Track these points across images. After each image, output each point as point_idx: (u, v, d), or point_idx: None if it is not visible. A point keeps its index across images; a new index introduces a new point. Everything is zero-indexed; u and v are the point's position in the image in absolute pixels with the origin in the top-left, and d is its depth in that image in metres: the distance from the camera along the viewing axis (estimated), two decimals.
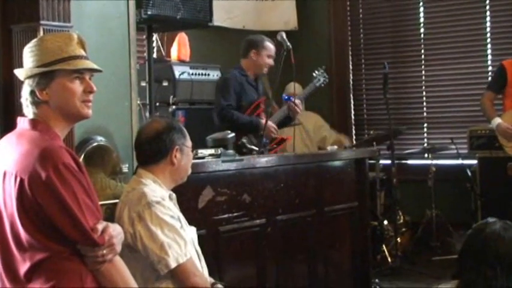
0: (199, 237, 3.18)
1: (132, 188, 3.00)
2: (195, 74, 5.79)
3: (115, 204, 3.05)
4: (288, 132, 5.68)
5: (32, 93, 2.41)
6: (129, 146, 3.57)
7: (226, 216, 4.01)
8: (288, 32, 5.43)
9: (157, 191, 2.98)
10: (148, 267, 2.84)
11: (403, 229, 6.34)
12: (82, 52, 2.44)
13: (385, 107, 6.15)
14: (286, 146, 5.86)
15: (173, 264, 2.82)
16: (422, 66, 7.32)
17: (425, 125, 7.33)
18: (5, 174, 2.32)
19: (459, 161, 6.32)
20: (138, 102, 3.93)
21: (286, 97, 5.76)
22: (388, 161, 6.18)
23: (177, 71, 5.68)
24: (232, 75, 5.33)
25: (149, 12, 4.24)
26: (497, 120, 5.74)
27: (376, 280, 5.29)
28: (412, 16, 7.35)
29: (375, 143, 6.20)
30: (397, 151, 6.34)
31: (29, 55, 2.44)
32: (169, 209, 2.92)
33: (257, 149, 4.83)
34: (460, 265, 2.48)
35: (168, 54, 6.08)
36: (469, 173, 6.23)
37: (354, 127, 7.59)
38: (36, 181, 2.22)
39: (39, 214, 2.23)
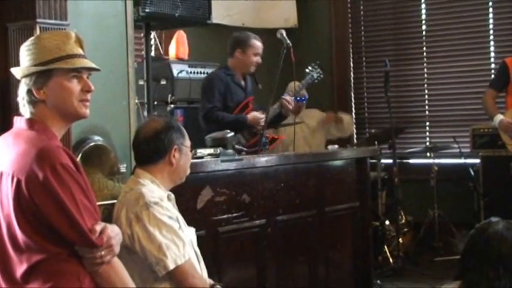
0: (198, 238, 3.19)
1: (130, 189, 3.00)
2: (194, 73, 5.79)
3: (113, 204, 3.05)
4: (289, 131, 5.67)
5: (29, 92, 2.41)
6: (127, 146, 3.57)
7: (225, 216, 4.01)
8: (287, 30, 5.40)
9: (156, 191, 2.98)
10: (146, 268, 2.85)
11: (405, 229, 6.35)
12: (80, 51, 2.44)
13: (386, 106, 6.16)
14: (288, 146, 5.87)
15: (171, 266, 2.82)
16: (424, 64, 7.32)
17: (427, 123, 7.33)
18: (1, 174, 2.32)
19: (462, 160, 6.33)
20: (136, 101, 3.93)
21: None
22: (390, 160, 6.19)
23: (176, 69, 5.68)
24: (216, 76, 5.30)
25: (147, 10, 4.23)
26: (500, 117, 5.74)
27: (378, 281, 5.30)
28: (413, 13, 7.35)
29: (376, 142, 6.20)
30: (398, 150, 6.34)
31: (26, 53, 2.44)
32: (167, 210, 2.93)
33: (246, 149, 4.82)
34: (462, 265, 2.49)
35: (166, 52, 6.08)
36: (472, 172, 6.23)
37: (354, 125, 7.59)
38: (33, 181, 2.22)
39: (37, 215, 2.23)
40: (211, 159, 3.95)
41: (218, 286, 3.09)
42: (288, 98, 5.30)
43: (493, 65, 6.94)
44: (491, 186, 6.12)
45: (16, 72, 2.47)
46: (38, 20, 3.13)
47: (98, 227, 2.29)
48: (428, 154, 6.55)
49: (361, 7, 7.59)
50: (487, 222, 2.52)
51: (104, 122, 3.53)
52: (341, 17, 7.56)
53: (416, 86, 7.37)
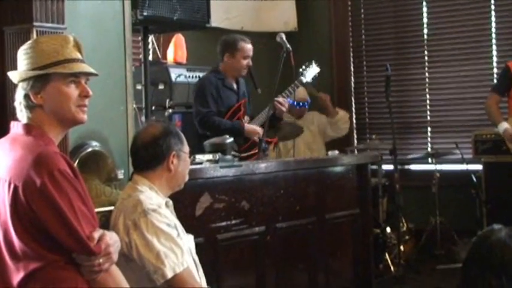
0: (197, 245, 3.19)
1: (127, 195, 3.01)
2: (192, 77, 5.79)
3: (110, 211, 3.06)
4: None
5: (26, 96, 2.41)
6: (124, 152, 3.57)
7: (224, 223, 4.02)
8: (287, 33, 5.42)
9: (154, 198, 2.99)
10: (144, 276, 2.85)
11: (407, 237, 6.35)
12: (78, 55, 2.45)
13: (387, 111, 6.17)
14: (289, 151, 5.87)
15: (170, 274, 2.82)
16: (426, 69, 7.32)
17: (428, 129, 7.33)
18: None
19: (464, 166, 6.33)
20: (134, 106, 3.94)
21: (293, 102, 5.78)
22: (391, 167, 6.19)
23: (174, 73, 5.69)
24: (207, 80, 5.30)
25: (145, 13, 4.24)
26: (504, 125, 5.74)
27: None
28: (415, 17, 7.35)
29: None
30: (400, 156, 6.34)
31: (23, 57, 2.44)
32: (165, 217, 2.93)
33: (239, 154, 4.82)
34: (464, 274, 2.49)
35: (164, 56, 6.10)
36: (474, 179, 6.23)
37: (355, 131, 7.59)
38: (30, 188, 2.22)
39: (34, 222, 2.23)
40: (210, 165, 3.96)
41: None
42: (280, 99, 5.27)
43: (495, 70, 6.94)
44: (494, 193, 6.11)
45: (13, 76, 2.47)
46: (35, 24, 3.14)
47: (96, 234, 2.29)
48: (429, 160, 6.56)
49: (362, 10, 7.59)
50: (490, 230, 2.52)
51: (102, 127, 3.54)
52: (341, 20, 7.56)
53: (418, 91, 7.36)
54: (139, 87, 4.67)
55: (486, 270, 2.42)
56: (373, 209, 5.77)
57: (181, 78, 5.71)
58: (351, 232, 4.99)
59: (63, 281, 2.28)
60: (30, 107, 2.41)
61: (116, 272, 2.39)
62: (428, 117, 7.33)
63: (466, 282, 2.47)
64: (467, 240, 5.82)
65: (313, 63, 5.53)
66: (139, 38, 4.77)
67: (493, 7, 6.97)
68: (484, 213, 6.18)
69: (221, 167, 3.99)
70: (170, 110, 5.51)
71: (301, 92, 6.08)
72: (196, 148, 4.23)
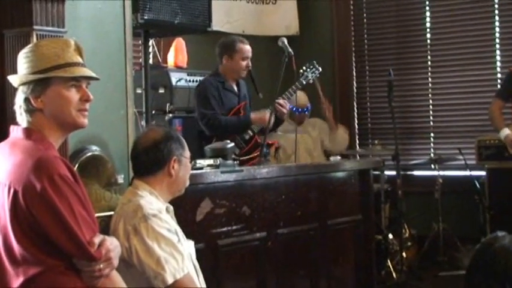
0: (197, 251, 3.20)
1: (127, 200, 3.01)
2: (193, 81, 5.80)
3: (110, 216, 3.06)
4: (291, 142, 5.67)
5: (26, 100, 2.42)
6: (124, 156, 3.57)
7: (225, 229, 4.03)
8: (289, 37, 5.42)
9: (154, 203, 2.99)
10: (144, 282, 2.85)
11: (409, 243, 6.35)
12: (79, 59, 2.46)
13: (390, 116, 6.16)
14: (290, 156, 5.86)
15: (170, 280, 2.83)
16: (429, 73, 7.31)
17: (431, 134, 7.33)
18: None
19: (467, 172, 6.33)
20: (134, 110, 3.94)
21: (293, 107, 5.77)
22: (393, 172, 6.19)
23: (174, 77, 5.70)
24: (208, 82, 5.31)
25: (146, 17, 4.25)
26: (506, 131, 5.76)
27: None
28: (418, 21, 7.36)
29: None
30: (402, 162, 6.34)
31: (23, 61, 2.45)
32: (166, 222, 2.93)
33: (239, 158, 4.83)
34: (468, 281, 2.49)
35: (165, 60, 6.11)
36: (478, 185, 6.23)
37: (357, 136, 7.60)
38: (30, 192, 2.23)
39: (34, 227, 2.24)
40: (210, 171, 3.97)
41: None
42: (281, 101, 5.25)
43: (499, 75, 6.93)
44: (498, 199, 6.11)
45: (13, 80, 2.48)
46: (35, 27, 3.13)
47: (97, 240, 2.30)
48: (432, 166, 6.55)
49: (364, 15, 7.60)
50: (493, 237, 2.52)
51: (102, 131, 3.54)
52: (343, 24, 7.56)
53: (421, 96, 7.37)
54: (139, 91, 4.68)
55: (490, 277, 2.42)
56: (376, 215, 5.77)
57: (182, 83, 5.72)
58: (353, 238, 5.00)
59: (63, 287, 2.28)
60: (30, 110, 2.42)
61: (117, 278, 2.40)
62: (431, 123, 7.33)
63: None
64: (470, 246, 5.83)
65: (315, 63, 5.53)
66: (140, 42, 4.78)
67: (496, 12, 6.96)
68: (487, 220, 6.18)
69: (222, 172, 3.99)
70: (170, 115, 5.51)
71: (302, 98, 6.07)
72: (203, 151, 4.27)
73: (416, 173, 7.21)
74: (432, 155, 7.04)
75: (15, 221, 2.26)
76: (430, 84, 7.33)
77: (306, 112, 6.51)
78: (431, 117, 7.33)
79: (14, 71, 2.51)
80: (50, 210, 2.22)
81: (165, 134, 3.08)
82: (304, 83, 5.47)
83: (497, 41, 6.98)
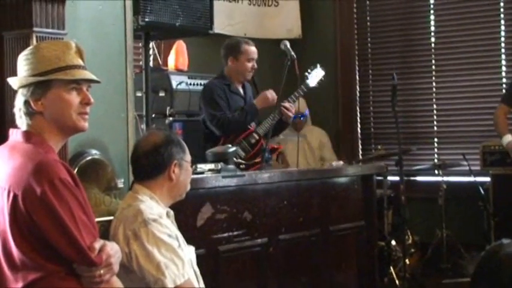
0: (198, 257, 3.20)
1: (127, 205, 3.02)
2: (193, 84, 5.80)
3: (109, 221, 3.06)
4: (291, 147, 5.68)
5: (26, 103, 2.42)
6: (124, 160, 3.58)
7: (226, 235, 4.03)
8: (291, 40, 5.42)
9: (154, 208, 2.99)
10: None
11: (412, 250, 6.35)
12: (80, 62, 2.46)
13: (393, 121, 6.16)
14: (289, 161, 5.87)
15: (170, 286, 2.82)
16: (433, 78, 7.30)
17: (435, 139, 7.32)
18: None
19: (471, 178, 6.33)
20: (134, 113, 3.95)
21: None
22: (397, 178, 6.18)
23: (175, 80, 5.70)
24: (213, 85, 5.32)
25: (147, 19, 4.25)
26: (509, 138, 5.76)
27: None
28: (422, 25, 7.35)
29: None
30: (406, 167, 6.32)
31: (23, 63, 2.46)
32: (166, 227, 2.94)
33: (245, 162, 4.83)
34: None
35: (165, 62, 6.11)
36: (482, 191, 6.23)
37: (360, 141, 7.59)
38: (30, 197, 2.23)
39: (34, 231, 2.24)
40: (211, 175, 3.98)
41: None
42: (287, 104, 5.26)
43: (504, 79, 6.93)
44: (502, 206, 6.11)
45: (13, 82, 2.48)
46: (35, 29, 3.14)
47: (97, 245, 2.30)
48: (436, 172, 6.55)
49: (368, 18, 7.59)
50: (499, 244, 2.52)
51: (101, 135, 3.54)
52: (347, 27, 7.56)
53: (425, 101, 7.35)
54: (139, 94, 4.68)
55: (495, 285, 2.42)
56: (378, 221, 5.77)
57: (183, 86, 5.72)
58: (355, 245, 5.00)
59: None
60: (30, 113, 2.43)
61: (117, 283, 2.40)
62: (435, 128, 7.32)
63: None
64: (474, 254, 5.83)
65: (318, 66, 5.54)
66: (140, 44, 4.79)
67: (502, 16, 6.96)
68: (491, 227, 6.18)
69: (223, 177, 4.00)
70: (171, 118, 5.51)
71: (300, 104, 6.06)
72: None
73: (419, 178, 7.21)
74: (436, 160, 7.04)
75: (15, 225, 2.26)
76: (434, 89, 7.32)
77: (302, 118, 6.52)
78: (435, 122, 7.32)
79: (14, 73, 2.52)
80: (50, 215, 2.22)
81: (165, 137, 3.09)
82: (310, 86, 5.48)
83: (503, 45, 6.97)
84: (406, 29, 7.43)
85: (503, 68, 6.96)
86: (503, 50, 6.97)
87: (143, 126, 4.60)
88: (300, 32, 7.42)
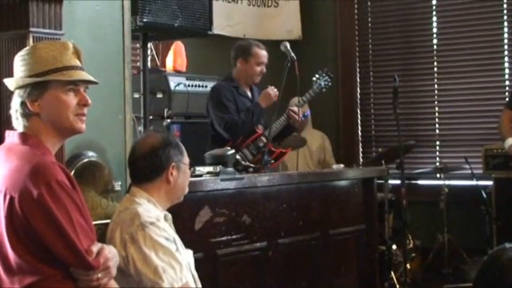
0: (196, 260, 3.20)
1: (124, 208, 3.01)
2: (192, 86, 5.81)
3: (106, 224, 3.06)
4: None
5: (23, 104, 2.42)
6: (122, 163, 3.58)
7: (224, 238, 4.03)
8: (291, 42, 5.43)
9: (152, 211, 2.99)
10: None
11: (413, 254, 6.35)
12: (77, 62, 2.46)
13: (394, 123, 6.16)
14: (288, 164, 5.87)
15: None
16: (435, 80, 7.31)
17: (437, 142, 7.32)
18: None
19: (473, 182, 6.33)
20: (132, 115, 3.95)
21: None
22: (398, 181, 6.19)
23: (173, 82, 5.70)
24: (221, 86, 5.35)
25: (145, 20, 4.25)
26: (510, 141, 5.77)
27: None
28: (423, 27, 7.36)
29: (383, 161, 6.21)
30: (407, 170, 6.34)
31: (20, 64, 2.46)
32: (164, 231, 2.94)
33: (253, 165, 4.84)
34: None
35: (163, 64, 6.11)
36: (484, 195, 6.23)
37: (361, 144, 7.59)
38: (27, 199, 2.23)
39: (30, 234, 2.24)
40: (210, 178, 3.97)
41: None
42: (295, 108, 5.30)
43: (507, 82, 6.93)
44: (505, 210, 6.11)
45: (9, 83, 2.48)
46: (31, 29, 3.13)
47: (95, 248, 2.30)
48: (438, 175, 6.55)
49: (369, 19, 7.59)
50: (501, 249, 2.52)
51: (99, 136, 3.54)
52: (347, 29, 7.56)
53: (426, 103, 7.36)
54: (136, 95, 4.68)
55: None
56: (379, 225, 5.77)
57: (181, 87, 5.72)
58: (356, 249, 5.00)
59: None
60: (26, 115, 2.43)
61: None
62: (437, 131, 7.32)
63: None
64: (476, 258, 5.83)
65: (327, 71, 5.57)
66: (138, 45, 4.78)
67: (505, 17, 6.95)
68: (494, 231, 6.18)
69: (222, 180, 4.00)
70: (168, 120, 5.51)
71: (296, 101, 6.08)
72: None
73: (421, 182, 7.21)
74: (438, 163, 7.04)
75: (11, 228, 2.26)
76: (436, 91, 7.32)
77: (303, 119, 6.53)
78: (437, 125, 7.32)
79: (10, 74, 2.52)
80: (47, 218, 2.22)
81: (163, 139, 3.09)
82: (318, 91, 5.51)
83: (506, 47, 6.97)
84: (407, 30, 7.43)
85: (506, 71, 6.96)
86: (506, 52, 6.96)
87: (141, 128, 4.60)
88: (300, 33, 7.42)
